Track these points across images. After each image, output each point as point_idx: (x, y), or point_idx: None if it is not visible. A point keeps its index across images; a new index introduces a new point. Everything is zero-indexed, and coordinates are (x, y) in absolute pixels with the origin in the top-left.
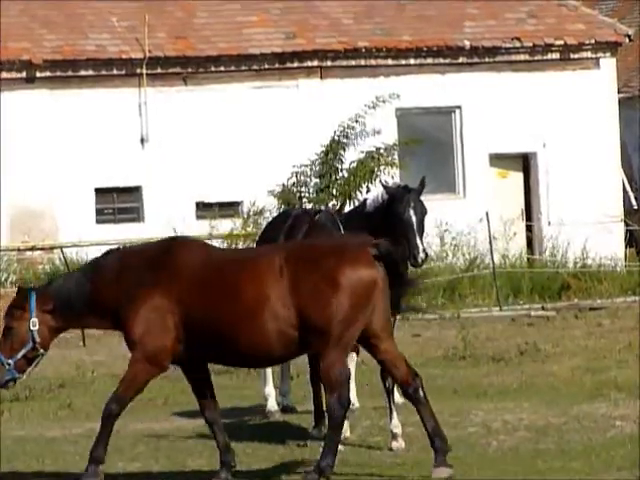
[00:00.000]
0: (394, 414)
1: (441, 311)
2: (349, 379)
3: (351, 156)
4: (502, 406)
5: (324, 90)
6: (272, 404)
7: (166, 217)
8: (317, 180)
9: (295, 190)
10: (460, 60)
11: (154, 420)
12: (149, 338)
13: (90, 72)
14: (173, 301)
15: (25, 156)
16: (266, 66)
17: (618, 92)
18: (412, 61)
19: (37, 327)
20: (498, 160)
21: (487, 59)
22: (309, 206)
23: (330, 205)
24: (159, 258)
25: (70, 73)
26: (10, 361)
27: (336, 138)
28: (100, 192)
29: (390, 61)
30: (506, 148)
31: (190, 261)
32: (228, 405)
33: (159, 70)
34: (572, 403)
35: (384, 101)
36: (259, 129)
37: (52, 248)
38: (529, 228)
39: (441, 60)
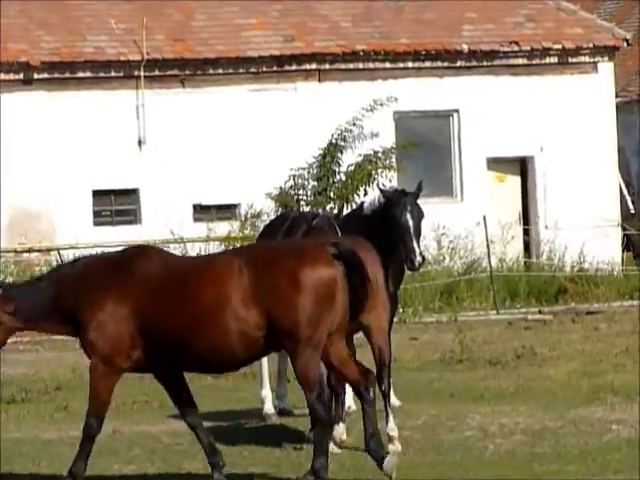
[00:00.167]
0: (390, 417)
1: (438, 314)
2: (323, 377)
3: (349, 159)
4: (499, 410)
5: (322, 93)
6: (269, 407)
7: (163, 219)
8: (315, 183)
9: (293, 193)
10: (458, 64)
11: (150, 423)
12: (103, 341)
13: (88, 74)
14: (129, 307)
15: (22, 158)
16: (264, 69)
17: (616, 96)
18: (410, 64)
19: None
20: (496, 164)
21: (485, 63)
22: (307, 209)
23: (328, 208)
24: (118, 265)
25: (68, 75)
26: None
27: (334, 141)
28: (97, 194)
29: (388, 64)
30: (504, 152)
31: (148, 268)
32: (225, 408)
33: (157, 72)
34: (569, 407)
35: (382, 104)
36: (257, 132)
37: (49, 250)
38: (526, 232)
39: (439, 64)
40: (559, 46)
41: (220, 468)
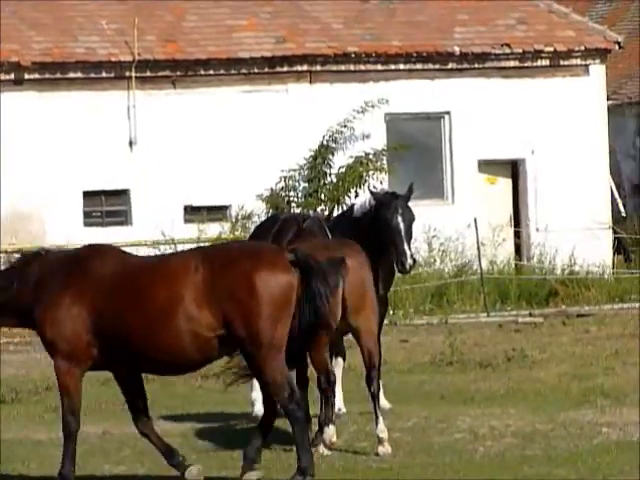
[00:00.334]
0: (380, 419)
1: (429, 317)
2: (291, 378)
3: (340, 161)
4: (489, 412)
5: (313, 95)
6: (259, 409)
7: (154, 220)
8: (306, 185)
9: (283, 194)
10: (450, 66)
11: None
12: (62, 339)
13: (79, 75)
14: (85, 305)
15: (13, 158)
16: (255, 70)
17: (607, 99)
18: (402, 66)
19: None
20: (487, 166)
21: (477, 65)
22: (297, 210)
23: (319, 210)
24: (74, 264)
25: (59, 75)
26: None
27: (325, 143)
28: (88, 195)
29: (380, 66)
30: (495, 154)
31: (104, 267)
32: (215, 409)
33: (148, 73)
34: (559, 409)
35: (373, 106)
36: (248, 133)
37: None
38: (517, 234)
39: (431, 66)
40: (551, 49)
41: (184, 465)
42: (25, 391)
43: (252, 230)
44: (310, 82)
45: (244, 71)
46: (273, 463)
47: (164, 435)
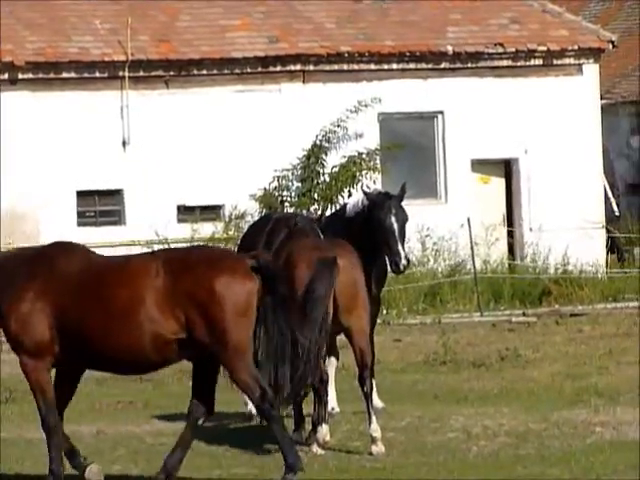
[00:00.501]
0: (373, 418)
1: (422, 316)
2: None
3: (333, 160)
4: (482, 411)
5: (306, 94)
6: (252, 408)
7: (148, 220)
8: (299, 184)
9: (277, 194)
10: (443, 65)
11: (134, 423)
12: (26, 334)
13: (72, 74)
14: (48, 302)
15: (6, 158)
16: (249, 70)
17: (601, 98)
18: (395, 66)
19: None
20: (480, 166)
21: (470, 64)
22: (291, 210)
23: (312, 210)
24: (38, 260)
25: (52, 75)
26: None
27: (318, 142)
28: (82, 195)
29: (373, 66)
30: (488, 154)
31: (68, 265)
32: None
33: (141, 73)
34: (552, 409)
35: (366, 106)
36: (241, 133)
37: None
38: (510, 234)
39: (424, 65)
40: (544, 48)
41: (84, 465)
42: (20, 391)
43: (245, 230)
44: (303, 82)
45: (237, 71)
46: (266, 462)
47: (158, 435)
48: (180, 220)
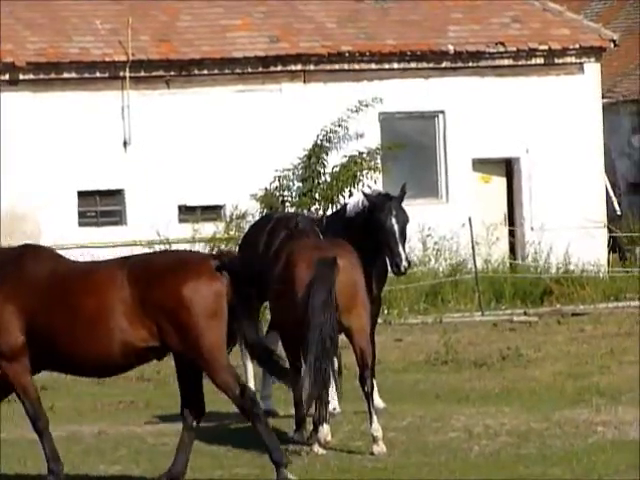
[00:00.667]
0: (374, 418)
1: (423, 316)
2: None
3: (334, 160)
4: (484, 411)
5: (307, 94)
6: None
7: (149, 220)
8: (300, 184)
9: (278, 194)
10: (444, 65)
11: (136, 423)
12: (1, 338)
13: (73, 75)
14: (18, 306)
15: (7, 158)
16: (249, 70)
17: (602, 97)
18: (395, 65)
19: None
20: (481, 165)
21: (471, 64)
22: (292, 210)
23: (313, 209)
24: (7, 264)
25: (53, 76)
26: None
27: (319, 142)
28: (83, 195)
29: (373, 65)
30: (489, 153)
31: (37, 268)
32: (210, 409)
33: (142, 73)
34: (554, 408)
35: (367, 105)
36: (242, 133)
37: None
38: (512, 233)
39: (425, 64)
40: (545, 47)
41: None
42: None
43: (246, 230)
44: (304, 81)
45: (238, 71)
46: (267, 462)
47: (159, 435)
48: (181, 220)
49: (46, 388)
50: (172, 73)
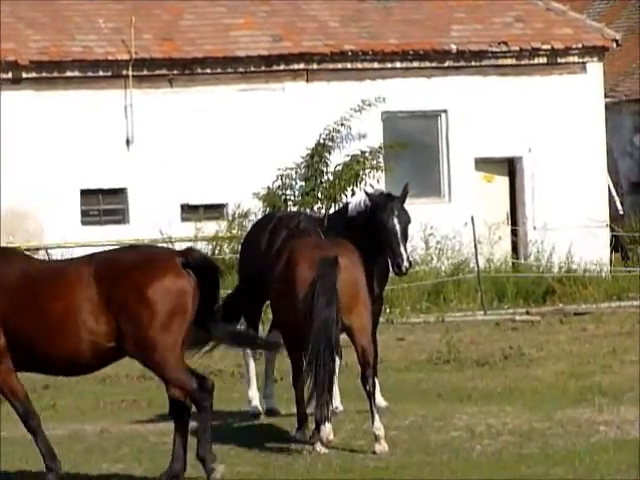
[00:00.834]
0: (376, 416)
1: (425, 315)
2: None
3: (336, 159)
4: (486, 410)
5: (310, 93)
6: (256, 406)
7: (151, 219)
8: (302, 183)
9: (280, 193)
10: (446, 64)
11: (138, 422)
12: None
13: (76, 73)
14: None
15: (10, 157)
16: (252, 69)
17: (605, 97)
18: (398, 64)
19: None
20: (484, 164)
21: (474, 63)
22: (294, 209)
23: (315, 208)
24: None
25: (56, 74)
26: None
27: (322, 141)
28: (85, 193)
29: (376, 64)
30: (492, 152)
31: (7, 271)
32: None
33: (145, 72)
34: (556, 408)
35: (370, 104)
36: (245, 132)
37: (37, 249)
38: (514, 232)
39: (427, 64)
40: (548, 46)
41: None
42: None
43: (249, 228)
44: (307, 80)
45: (241, 70)
46: (270, 461)
47: (162, 433)
48: (184, 219)
49: (48, 387)
50: (175, 72)
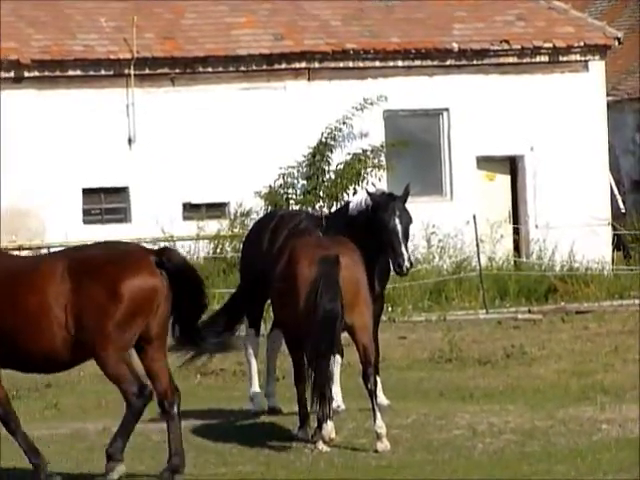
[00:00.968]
0: (378, 415)
1: (427, 313)
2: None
3: (338, 158)
4: (488, 409)
5: (312, 92)
6: (257, 405)
7: (153, 218)
8: (304, 182)
9: (282, 192)
10: (448, 62)
11: (140, 420)
12: None
13: (78, 72)
14: None
15: (12, 156)
16: (254, 67)
17: (607, 95)
18: (400, 63)
19: None
20: (485, 163)
21: (475, 62)
22: (296, 208)
23: (317, 207)
24: None
25: (58, 73)
26: None
27: (323, 140)
28: (87, 192)
29: (378, 63)
30: (494, 151)
31: None
32: (215, 406)
33: (147, 71)
34: (558, 406)
35: (372, 103)
36: (246, 130)
37: (39, 248)
38: (516, 231)
39: (429, 62)
40: (550, 45)
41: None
42: (25, 388)
43: (250, 227)
44: (308, 79)
45: (242, 68)
46: (272, 459)
47: (163, 432)
48: (186, 218)
49: (50, 385)
50: (177, 71)
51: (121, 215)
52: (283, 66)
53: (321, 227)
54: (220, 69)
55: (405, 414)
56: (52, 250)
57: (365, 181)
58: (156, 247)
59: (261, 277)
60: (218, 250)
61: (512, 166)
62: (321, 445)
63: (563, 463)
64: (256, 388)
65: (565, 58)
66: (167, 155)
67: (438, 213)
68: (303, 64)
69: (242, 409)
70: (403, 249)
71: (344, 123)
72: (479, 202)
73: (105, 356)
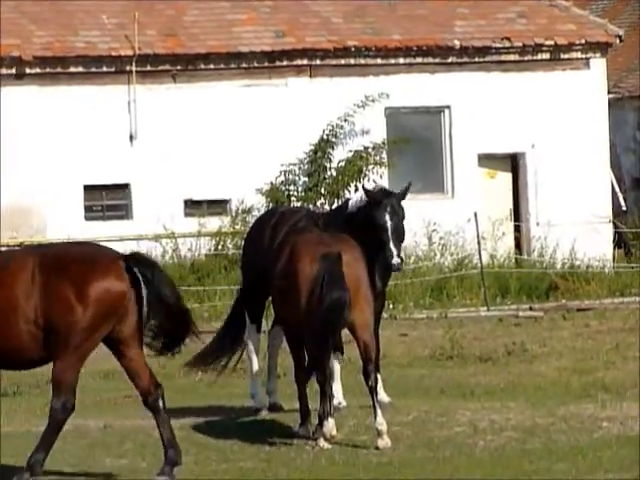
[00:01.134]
0: (378, 412)
1: (428, 310)
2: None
3: (340, 155)
4: (489, 406)
5: (313, 89)
6: (259, 402)
7: (155, 214)
8: (305, 179)
9: (283, 188)
10: (450, 60)
11: (141, 417)
12: None
13: (80, 69)
14: None
15: (14, 152)
16: (255, 64)
17: (608, 93)
18: (402, 60)
19: None
20: (487, 160)
21: (477, 59)
22: (297, 204)
23: (318, 204)
24: None
25: (59, 70)
26: None
27: (325, 137)
28: (89, 189)
29: (380, 60)
30: (495, 148)
31: None
32: (216, 403)
33: (148, 67)
34: (559, 404)
35: (373, 100)
36: (248, 127)
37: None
38: (517, 228)
39: (431, 60)
40: (551, 42)
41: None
42: (26, 384)
43: (251, 224)
44: (310, 76)
45: (244, 65)
46: (273, 456)
47: None
48: (187, 214)
49: None
50: (178, 67)
51: (122, 212)
52: (285, 63)
53: (321, 224)
54: (222, 66)
55: (406, 411)
56: None
57: (366, 178)
58: (158, 244)
59: (262, 274)
60: (219, 247)
61: (513, 163)
62: (322, 442)
63: (564, 461)
64: (257, 385)
65: (566, 56)
66: (168, 152)
67: (439, 210)
68: (305, 61)
69: (243, 406)
70: (392, 245)
71: (345, 120)
72: (480, 199)
73: (62, 359)
